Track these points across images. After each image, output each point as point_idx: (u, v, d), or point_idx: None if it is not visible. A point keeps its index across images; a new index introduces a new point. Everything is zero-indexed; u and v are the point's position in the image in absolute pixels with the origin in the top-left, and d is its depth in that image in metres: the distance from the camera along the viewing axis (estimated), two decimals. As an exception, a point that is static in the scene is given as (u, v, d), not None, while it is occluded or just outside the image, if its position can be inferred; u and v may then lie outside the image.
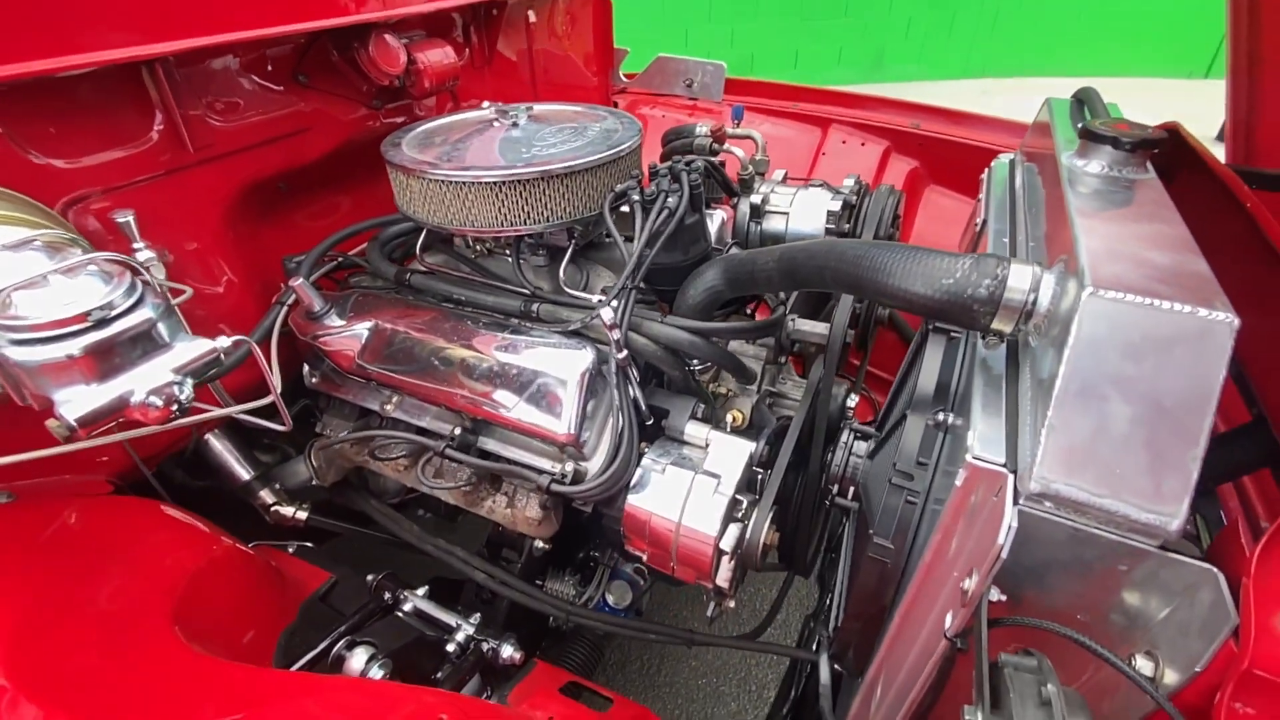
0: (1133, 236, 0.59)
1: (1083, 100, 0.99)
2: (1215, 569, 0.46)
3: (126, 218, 0.91)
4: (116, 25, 0.86)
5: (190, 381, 0.65)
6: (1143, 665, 0.50)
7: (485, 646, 1.13)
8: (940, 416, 0.71)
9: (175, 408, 0.64)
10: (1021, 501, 0.51)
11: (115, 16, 0.86)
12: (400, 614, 1.19)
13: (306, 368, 1.24)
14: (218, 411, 0.82)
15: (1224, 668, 0.43)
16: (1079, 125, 0.79)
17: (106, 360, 0.61)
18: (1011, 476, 0.52)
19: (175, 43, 0.92)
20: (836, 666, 0.94)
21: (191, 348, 0.67)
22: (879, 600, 0.74)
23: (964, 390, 0.70)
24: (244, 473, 1.31)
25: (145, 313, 0.65)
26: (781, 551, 1.15)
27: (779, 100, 1.98)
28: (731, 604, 0.99)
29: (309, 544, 1.38)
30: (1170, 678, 0.49)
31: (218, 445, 1.29)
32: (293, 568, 1.23)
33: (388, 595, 1.23)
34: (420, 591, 1.24)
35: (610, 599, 1.45)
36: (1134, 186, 0.71)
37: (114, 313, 0.62)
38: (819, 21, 7.25)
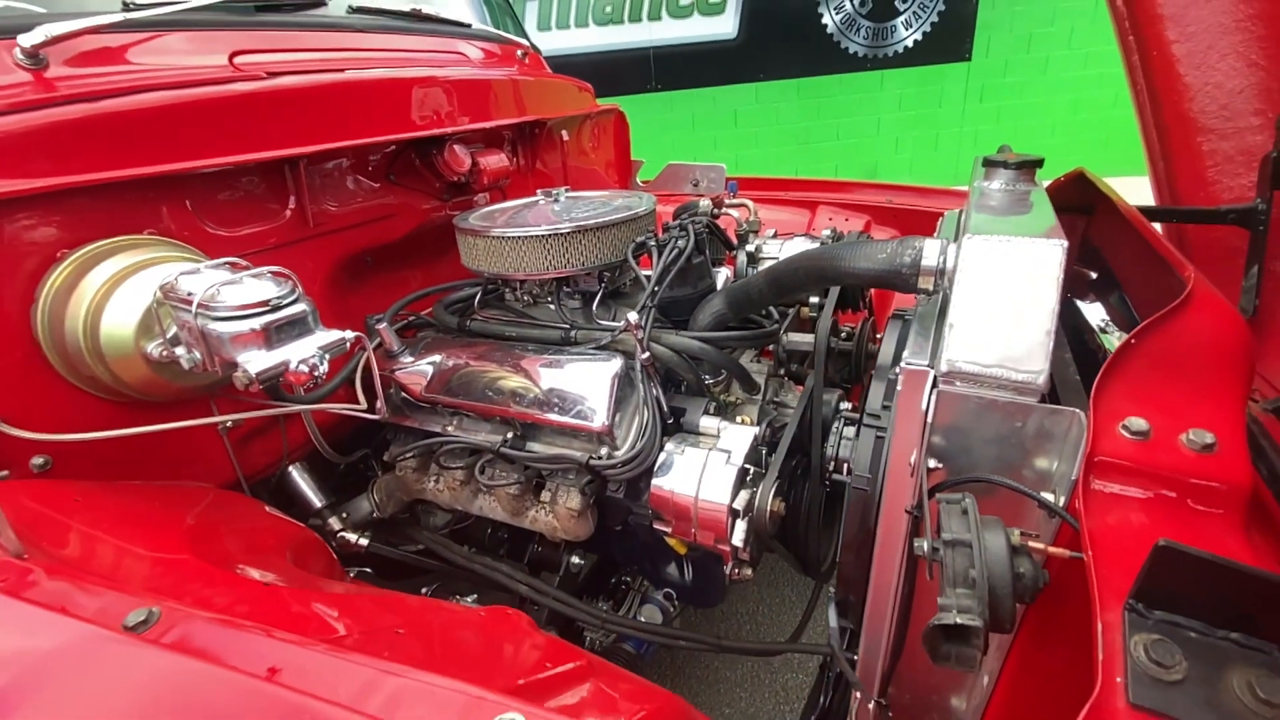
0: (1011, 216, 0.82)
1: (999, 151, 1.26)
2: (1078, 410, 0.63)
3: (262, 273, 1.19)
4: (272, 135, 1.20)
5: (327, 357, 0.88)
6: (1047, 497, 0.65)
7: (531, 638, 1.24)
8: (898, 370, 0.90)
9: (315, 374, 0.86)
10: (940, 384, 0.70)
11: (271, 129, 1.20)
12: (454, 615, 1.31)
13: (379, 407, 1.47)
14: (332, 406, 1.04)
15: (1087, 473, 0.59)
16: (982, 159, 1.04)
17: (275, 335, 0.85)
18: (932, 371, 0.71)
19: (310, 147, 1.26)
20: (843, 622, 1.05)
21: (329, 335, 0.91)
22: (865, 524, 0.89)
23: (910, 344, 0.89)
24: (317, 501, 1.50)
25: (302, 306, 0.90)
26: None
27: (772, 190, 2.33)
28: (750, 573, 1.11)
29: (368, 569, 1.53)
30: (1063, 501, 0.64)
31: (298, 477, 1.50)
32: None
33: (442, 602, 1.37)
34: (470, 599, 1.37)
35: (641, 621, 1.54)
36: (1023, 194, 0.95)
37: (283, 303, 0.87)
38: (815, 145, 8.08)
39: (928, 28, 7.58)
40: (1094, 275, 1.67)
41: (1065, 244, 0.68)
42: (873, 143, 8.20)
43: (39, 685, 0.44)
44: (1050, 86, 7.87)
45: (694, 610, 2.10)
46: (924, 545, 0.64)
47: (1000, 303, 0.68)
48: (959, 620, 0.56)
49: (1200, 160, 1.61)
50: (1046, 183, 1.61)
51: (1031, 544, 0.60)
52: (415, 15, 1.76)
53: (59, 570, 0.62)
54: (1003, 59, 7.84)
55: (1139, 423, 0.59)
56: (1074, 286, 1.79)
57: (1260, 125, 1.49)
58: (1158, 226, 1.80)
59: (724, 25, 7.30)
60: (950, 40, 7.66)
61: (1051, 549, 0.59)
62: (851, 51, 7.61)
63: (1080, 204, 1.40)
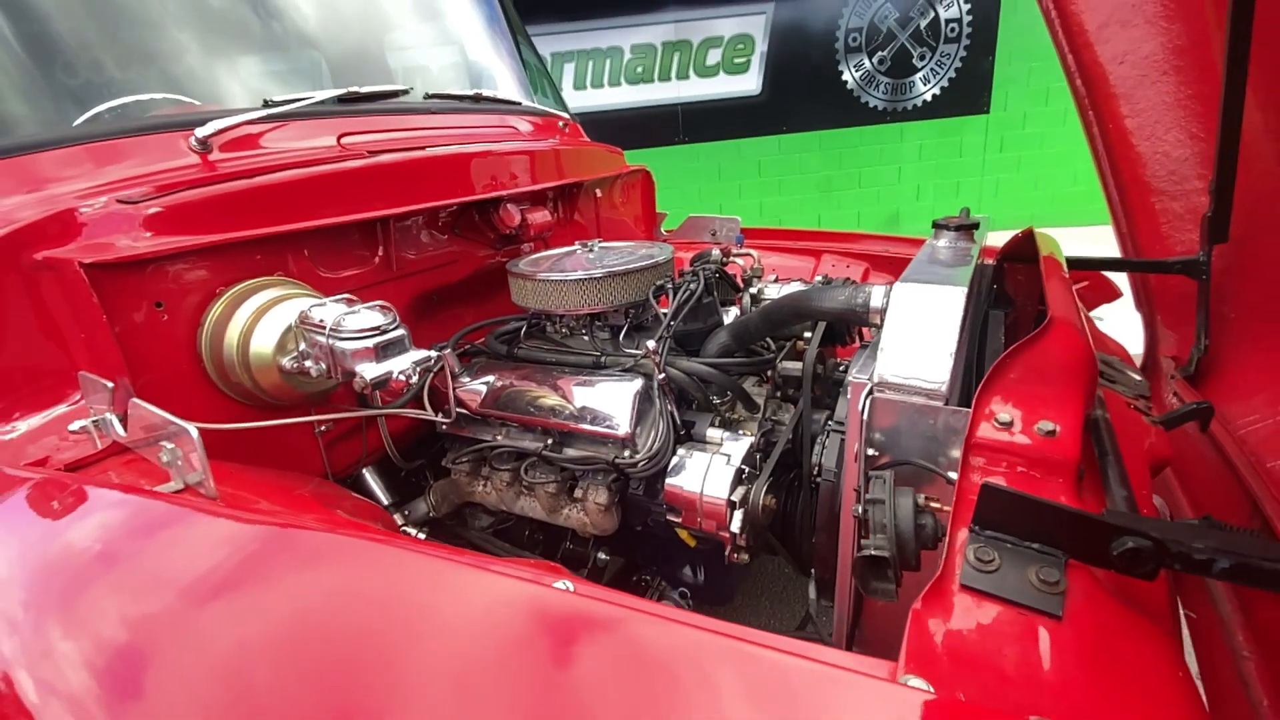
0: (940, 267, 1.07)
1: (960, 213, 1.51)
2: (968, 410, 0.86)
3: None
4: (370, 200, 1.53)
5: (417, 370, 1.17)
6: (951, 475, 0.87)
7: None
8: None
9: (409, 382, 1.14)
10: (874, 392, 0.93)
11: (369, 195, 1.53)
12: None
13: (440, 415, 1.75)
14: (410, 412, 1.32)
15: (973, 453, 0.81)
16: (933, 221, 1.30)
17: (383, 352, 1.14)
18: (869, 382, 0.95)
19: (398, 209, 1.58)
20: (823, 600, 1.25)
21: (419, 353, 1.19)
22: (833, 509, 1.11)
23: (867, 366, 1.13)
24: (385, 499, 1.77)
25: (401, 331, 1.19)
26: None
27: (782, 240, 2.61)
28: (746, 558, 1.33)
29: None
30: (961, 476, 0.86)
31: (370, 478, 1.77)
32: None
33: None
34: (512, 584, 1.61)
35: (659, 615, 1.75)
36: (963, 250, 1.20)
37: (389, 329, 1.16)
38: (837, 193, 8.39)
39: (945, 83, 7.91)
40: (1065, 317, 1.88)
41: (965, 289, 0.92)
42: (894, 191, 8.47)
43: (272, 553, 0.70)
44: (1070, 137, 7.97)
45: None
46: (858, 508, 0.88)
47: (917, 331, 0.92)
48: (874, 553, 0.78)
49: (1155, 218, 1.83)
50: (996, 237, 1.86)
51: (933, 505, 0.83)
52: (476, 98, 2.12)
53: (241, 507, 0.89)
54: (1021, 111, 8.07)
55: (1005, 416, 0.81)
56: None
57: (1203, 188, 1.71)
58: (1121, 275, 2.02)
59: (748, 83, 7.77)
60: (968, 94, 7.96)
61: (944, 507, 0.81)
62: (871, 106, 7.97)
63: (1036, 256, 1.64)
